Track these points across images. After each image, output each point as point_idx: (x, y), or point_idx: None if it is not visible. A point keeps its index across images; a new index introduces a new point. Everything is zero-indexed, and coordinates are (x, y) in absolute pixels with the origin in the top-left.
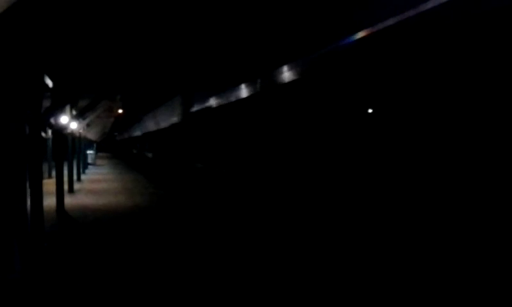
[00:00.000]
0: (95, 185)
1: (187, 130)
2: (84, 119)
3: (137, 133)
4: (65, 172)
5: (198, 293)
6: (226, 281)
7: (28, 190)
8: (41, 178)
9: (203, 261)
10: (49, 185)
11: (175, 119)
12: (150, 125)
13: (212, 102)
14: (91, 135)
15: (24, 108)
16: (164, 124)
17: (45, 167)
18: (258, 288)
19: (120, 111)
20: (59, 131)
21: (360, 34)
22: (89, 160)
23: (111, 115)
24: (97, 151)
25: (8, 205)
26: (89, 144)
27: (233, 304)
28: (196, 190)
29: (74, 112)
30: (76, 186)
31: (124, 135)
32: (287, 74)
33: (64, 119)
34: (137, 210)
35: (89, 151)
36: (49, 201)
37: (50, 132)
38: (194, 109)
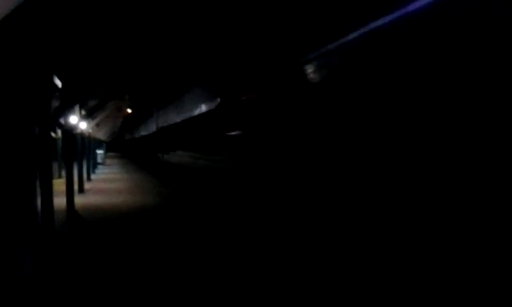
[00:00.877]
0: (105, 184)
1: (154, 136)
2: (93, 119)
3: (137, 135)
4: (75, 172)
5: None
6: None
7: (38, 190)
8: (51, 178)
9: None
10: (59, 185)
11: (152, 129)
12: (140, 132)
13: (164, 123)
14: (101, 135)
15: (33, 108)
16: (146, 132)
17: (55, 167)
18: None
19: (129, 111)
20: (69, 131)
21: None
22: (99, 160)
23: (119, 115)
24: (106, 151)
25: (18, 205)
26: (98, 144)
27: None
28: (156, 165)
29: (83, 112)
30: (86, 186)
31: (132, 135)
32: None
33: (73, 119)
34: (146, 209)
35: (98, 151)
36: (59, 201)
37: (59, 132)
38: (159, 126)
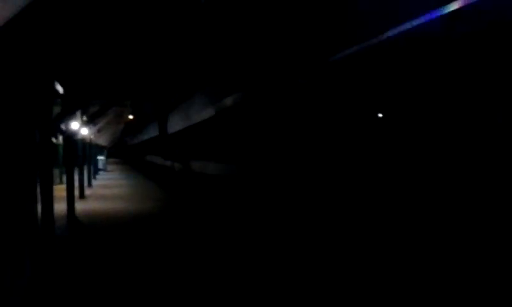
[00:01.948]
0: (106, 190)
1: (142, 144)
2: (94, 125)
3: (136, 142)
4: (76, 178)
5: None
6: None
7: (39, 196)
8: (51, 184)
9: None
10: (60, 190)
11: (143, 139)
12: (139, 139)
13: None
14: (102, 141)
15: (34, 114)
16: (140, 140)
17: (57, 173)
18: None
19: (130, 117)
20: (70, 137)
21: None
22: (100, 166)
23: (121, 121)
24: (108, 156)
25: (18, 211)
26: (100, 150)
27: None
28: (149, 168)
29: (85, 118)
30: (87, 192)
31: (133, 141)
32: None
33: (74, 125)
34: (146, 216)
35: (99, 157)
36: (60, 207)
37: (61, 138)
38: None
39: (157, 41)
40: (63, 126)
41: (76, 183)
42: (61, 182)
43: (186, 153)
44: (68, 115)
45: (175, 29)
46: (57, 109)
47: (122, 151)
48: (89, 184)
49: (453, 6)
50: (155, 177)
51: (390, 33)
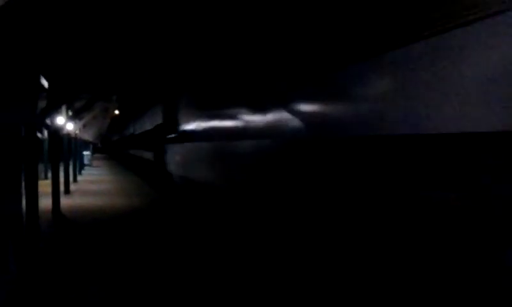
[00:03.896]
0: (91, 186)
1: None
2: (80, 120)
3: (122, 137)
4: (61, 173)
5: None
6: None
7: (24, 192)
8: (36, 179)
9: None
10: (45, 186)
11: (117, 137)
12: (125, 134)
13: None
14: (88, 136)
15: (19, 109)
16: (117, 138)
17: (42, 168)
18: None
19: (116, 112)
20: (55, 132)
21: None
22: (86, 161)
23: (107, 116)
24: (94, 152)
25: (3, 206)
26: (85, 145)
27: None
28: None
29: (70, 113)
30: (72, 187)
31: (119, 137)
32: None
33: (60, 120)
34: (132, 211)
35: (85, 152)
36: (45, 202)
37: (46, 132)
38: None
39: (142, 35)
40: (48, 121)
41: (61, 179)
42: (46, 177)
43: (127, 146)
44: (54, 110)
45: (159, 24)
46: (42, 104)
47: (108, 147)
48: (75, 179)
49: None
50: (123, 161)
51: None
